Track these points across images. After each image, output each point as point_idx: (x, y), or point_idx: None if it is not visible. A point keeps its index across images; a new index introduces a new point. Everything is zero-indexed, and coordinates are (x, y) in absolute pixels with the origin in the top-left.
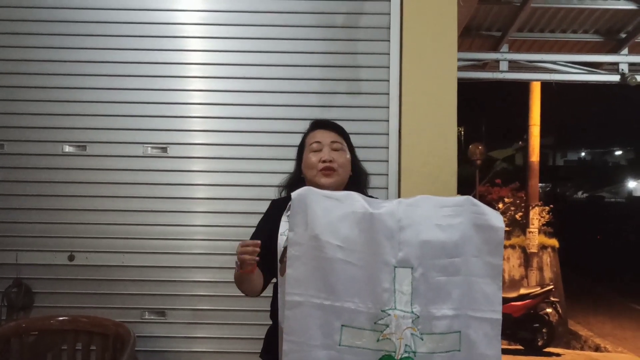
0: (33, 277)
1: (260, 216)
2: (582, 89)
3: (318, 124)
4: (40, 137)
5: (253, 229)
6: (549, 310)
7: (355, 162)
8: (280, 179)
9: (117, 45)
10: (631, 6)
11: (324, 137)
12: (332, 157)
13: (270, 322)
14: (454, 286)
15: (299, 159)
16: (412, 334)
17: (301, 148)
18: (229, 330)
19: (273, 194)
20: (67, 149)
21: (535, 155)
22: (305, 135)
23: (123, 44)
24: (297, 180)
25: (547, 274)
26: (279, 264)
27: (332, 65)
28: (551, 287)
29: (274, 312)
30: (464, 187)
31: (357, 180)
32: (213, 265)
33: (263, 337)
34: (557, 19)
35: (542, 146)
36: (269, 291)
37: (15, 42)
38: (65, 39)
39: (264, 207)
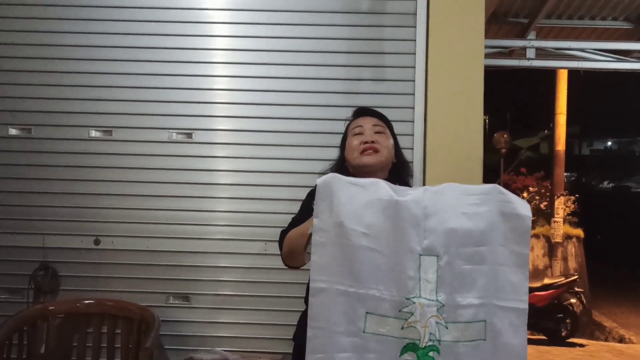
0: (59, 261)
1: (283, 202)
2: (610, 77)
3: (360, 112)
4: (67, 121)
5: (276, 215)
6: (573, 300)
7: (398, 150)
8: (303, 166)
9: (142, 31)
10: None
11: (366, 121)
12: (374, 138)
13: (304, 308)
14: (479, 275)
15: (343, 147)
16: (436, 322)
17: (345, 137)
18: (252, 315)
19: (297, 179)
20: (94, 133)
21: (561, 144)
22: (348, 124)
23: (149, 30)
24: (340, 168)
25: (572, 264)
26: (305, 252)
27: (357, 51)
28: (575, 277)
29: (307, 297)
30: (489, 175)
31: (400, 168)
32: (237, 251)
33: (286, 322)
34: (585, 6)
35: (568, 135)
36: (300, 277)
37: (42, 27)
38: (91, 24)
39: (288, 193)
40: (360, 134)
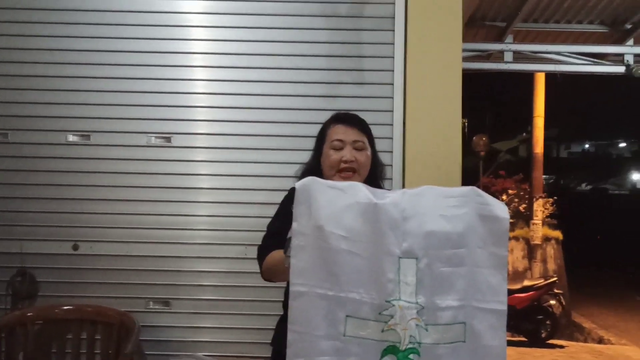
0: (37, 267)
1: (263, 206)
2: (587, 80)
3: (341, 119)
4: (45, 126)
5: (256, 219)
6: (552, 302)
7: (374, 155)
8: (282, 169)
9: (120, 35)
10: None
11: (347, 134)
12: (354, 156)
13: (282, 312)
14: (458, 277)
15: (318, 150)
16: (416, 324)
17: (320, 139)
18: (232, 320)
19: (276, 183)
20: (71, 138)
21: (539, 147)
22: (326, 127)
23: (126, 33)
24: (314, 171)
25: (551, 265)
26: (285, 256)
27: (336, 55)
28: (555, 279)
29: (286, 302)
30: (468, 178)
31: (374, 172)
32: (217, 255)
33: (266, 327)
34: (562, 10)
35: (546, 138)
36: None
37: (19, 30)
38: (68, 28)
39: (267, 197)
40: (339, 148)
